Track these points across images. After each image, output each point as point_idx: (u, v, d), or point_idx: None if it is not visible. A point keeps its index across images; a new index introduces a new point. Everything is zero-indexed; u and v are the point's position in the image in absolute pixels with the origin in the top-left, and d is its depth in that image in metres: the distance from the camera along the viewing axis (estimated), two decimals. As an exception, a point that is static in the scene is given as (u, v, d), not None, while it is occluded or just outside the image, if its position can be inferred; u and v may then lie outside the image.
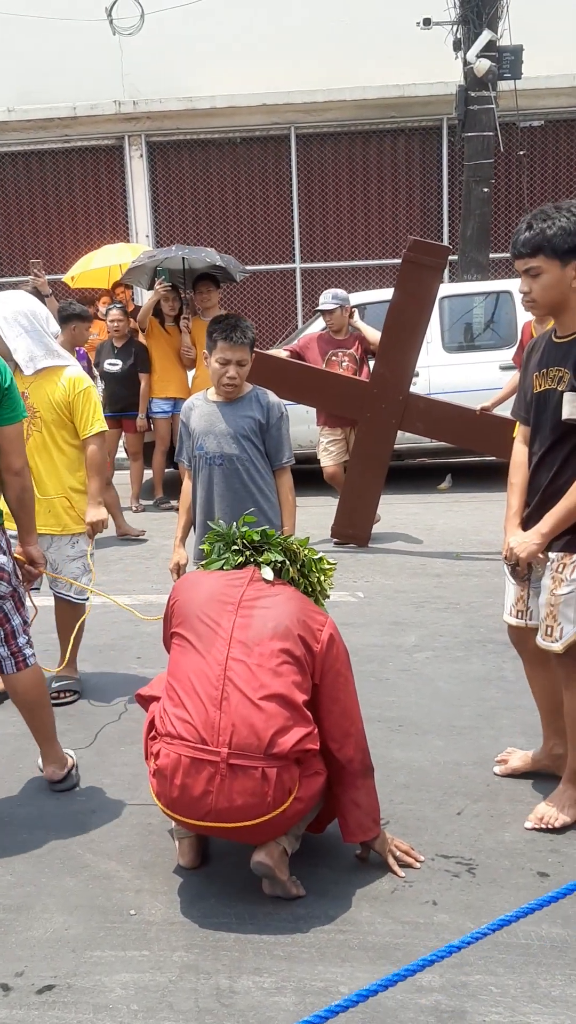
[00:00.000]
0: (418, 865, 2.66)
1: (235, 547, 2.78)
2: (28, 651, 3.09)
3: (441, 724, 3.63)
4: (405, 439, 7.33)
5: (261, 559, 2.72)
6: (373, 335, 6.51)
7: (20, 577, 3.09)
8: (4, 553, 2.96)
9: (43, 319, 3.78)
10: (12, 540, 3.12)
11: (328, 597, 2.95)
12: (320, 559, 2.86)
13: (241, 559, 2.74)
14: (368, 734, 3.51)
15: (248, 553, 2.76)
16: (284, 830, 2.50)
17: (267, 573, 2.67)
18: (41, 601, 3.67)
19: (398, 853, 2.67)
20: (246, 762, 2.38)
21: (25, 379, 3.74)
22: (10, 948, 2.41)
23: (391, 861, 2.65)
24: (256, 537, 2.78)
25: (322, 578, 2.85)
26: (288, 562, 2.74)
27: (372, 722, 3.65)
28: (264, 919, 2.46)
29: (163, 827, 2.92)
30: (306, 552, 2.82)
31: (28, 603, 3.15)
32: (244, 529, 2.82)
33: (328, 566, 2.89)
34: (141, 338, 8.13)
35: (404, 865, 2.66)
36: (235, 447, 3.64)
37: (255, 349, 3.73)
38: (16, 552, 3.13)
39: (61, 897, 2.62)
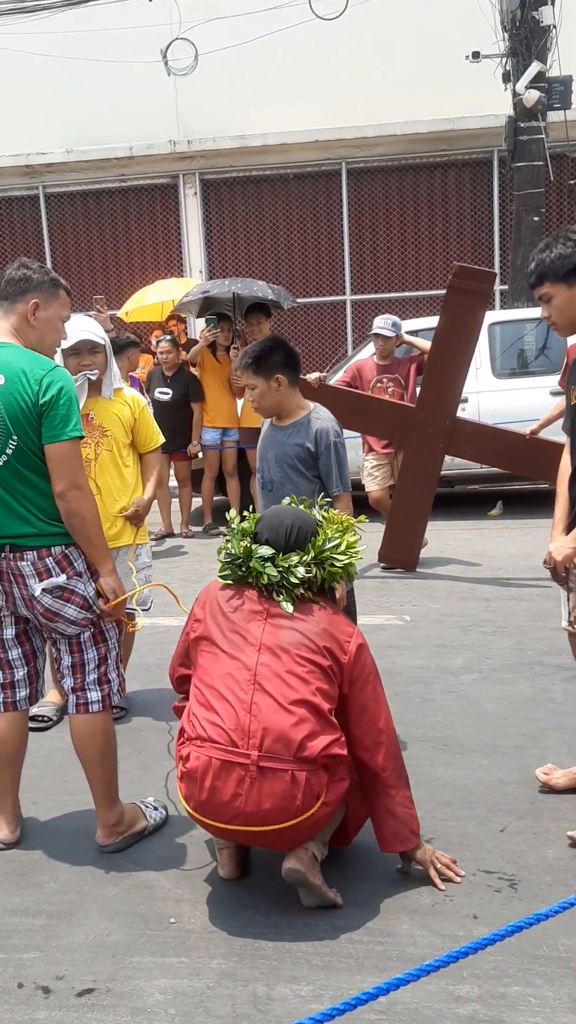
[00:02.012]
0: (459, 880, 2.64)
1: (249, 578, 2.69)
2: (93, 694, 2.89)
3: (486, 744, 3.60)
4: (455, 465, 7.32)
5: (278, 599, 2.64)
6: (427, 344, 6.53)
7: (100, 606, 2.87)
8: (82, 577, 2.83)
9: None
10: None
11: (354, 577, 2.88)
12: (346, 565, 2.74)
13: (256, 583, 2.68)
14: (412, 753, 3.53)
15: (259, 583, 2.67)
16: (310, 836, 2.51)
17: (286, 607, 2.62)
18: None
19: (439, 866, 2.65)
20: (276, 764, 2.40)
21: (88, 401, 3.83)
22: (52, 952, 2.44)
23: (432, 873, 2.63)
24: (271, 575, 2.64)
25: (335, 568, 2.74)
26: (305, 590, 2.67)
27: (416, 741, 3.65)
28: (302, 929, 2.46)
29: (204, 839, 2.94)
30: (325, 567, 2.71)
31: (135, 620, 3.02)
32: (257, 561, 2.67)
33: (354, 558, 2.78)
34: (192, 368, 8.27)
35: (446, 879, 2.64)
36: (278, 474, 3.53)
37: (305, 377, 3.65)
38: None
39: (103, 904, 2.65)
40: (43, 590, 2.78)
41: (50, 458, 2.74)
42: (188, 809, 2.54)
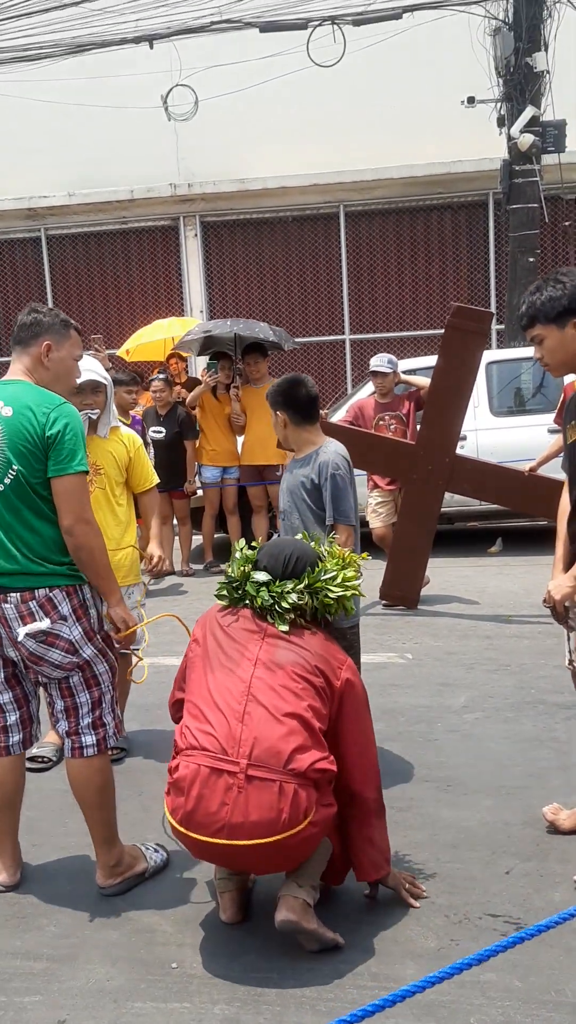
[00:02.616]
0: (424, 895, 2.73)
1: (244, 601, 2.75)
2: (88, 738, 2.86)
3: (490, 784, 3.57)
4: (455, 502, 7.33)
5: (271, 621, 2.68)
6: (424, 381, 6.59)
7: (98, 649, 2.87)
8: (66, 621, 2.78)
9: None
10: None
11: (351, 612, 2.90)
12: (341, 597, 2.77)
13: (250, 606, 2.73)
14: (415, 793, 3.51)
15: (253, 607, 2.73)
16: (294, 862, 2.49)
17: (282, 628, 2.66)
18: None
19: (407, 886, 2.72)
20: (265, 774, 2.39)
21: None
22: (53, 996, 2.40)
23: (404, 894, 2.70)
24: (265, 600, 2.69)
25: (346, 604, 2.80)
26: (298, 616, 2.70)
27: (419, 781, 3.62)
28: (305, 974, 2.42)
29: (205, 881, 2.91)
30: (319, 598, 2.75)
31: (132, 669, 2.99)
32: (253, 585, 2.73)
33: (351, 592, 2.81)
34: (192, 411, 8.31)
35: (416, 896, 2.72)
36: (289, 504, 3.66)
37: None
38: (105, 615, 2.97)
39: (104, 949, 2.62)
40: (26, 634, 2.76)
41: (56, 492, 2.75)
42: (173, 824, 2.50)
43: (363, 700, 2.70)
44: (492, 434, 8.07)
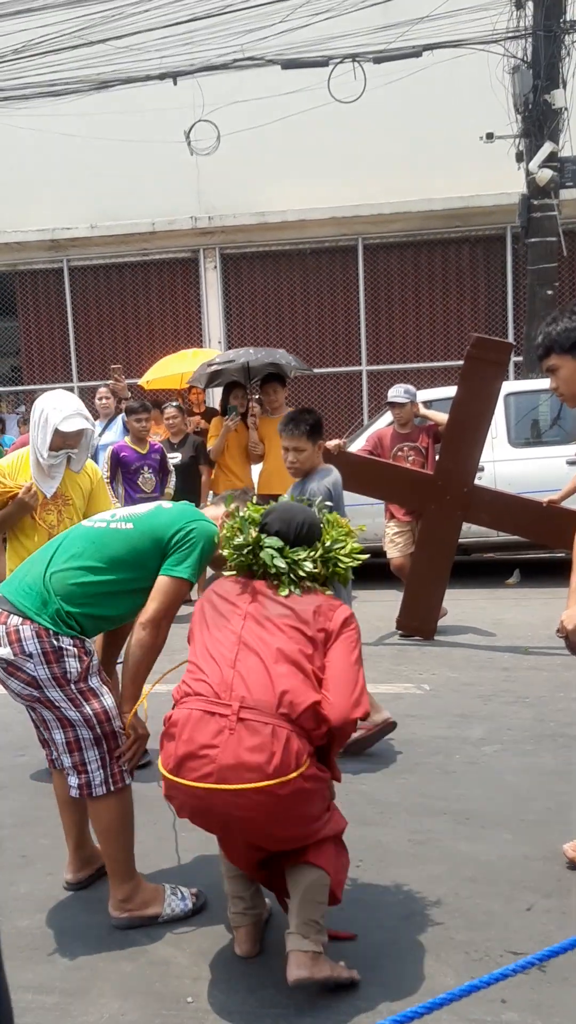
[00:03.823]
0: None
1: (254, 566, 2.71)
2: (72, 778, 2.84)
3: (509, 817, 3.52)
4: (472, 533, 7.31)
5: (275, 584, 2.66)
6: (442, 417, 6.59)
7: (69, 699, 2.77)
8: (31, 659, 2.73)
9: None
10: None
11: (349, 580, 2.88)
12: (348, 568, 2.76)
13: (260, 572, 2.69)
14: (433, 826, 3.46)
15: (262, 571, 2.69)
16: (288, 824, 2.40)
17: (282, 592, 2.63)
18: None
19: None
20: (256, 717, 2.35)
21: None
22: (65, 1030, 2.37)
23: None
24: (278, 565, 2.65)
25: (339, 568, 2.76)
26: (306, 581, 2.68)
27: (437, 814, 3.58)
28: (323, 1011, 2.38)
29: (222, 913, 2.87)
30: (329, 567, 2.74)
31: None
32: (266, 550, 2.69)
33: (354, 563, 2.78)
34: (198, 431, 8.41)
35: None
36: None
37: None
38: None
39: (118, 982, 2.58)
40: None
41: (156, 586, 2.86)
42: (164, 774, 2.43)
43: (357, 636, 2.62)
44: (510, 465, 8.06)
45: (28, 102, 11.84)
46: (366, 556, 2.84)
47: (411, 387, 6.94)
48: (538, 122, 10.42)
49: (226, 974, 2.59)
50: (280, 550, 2.68)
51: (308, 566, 2.66)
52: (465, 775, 3.98)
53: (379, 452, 6.81)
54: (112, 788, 2.83)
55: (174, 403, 8.58)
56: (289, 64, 11.16)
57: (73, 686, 2.76)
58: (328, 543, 2.75)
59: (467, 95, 11.39)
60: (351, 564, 2.77)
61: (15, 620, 2.76)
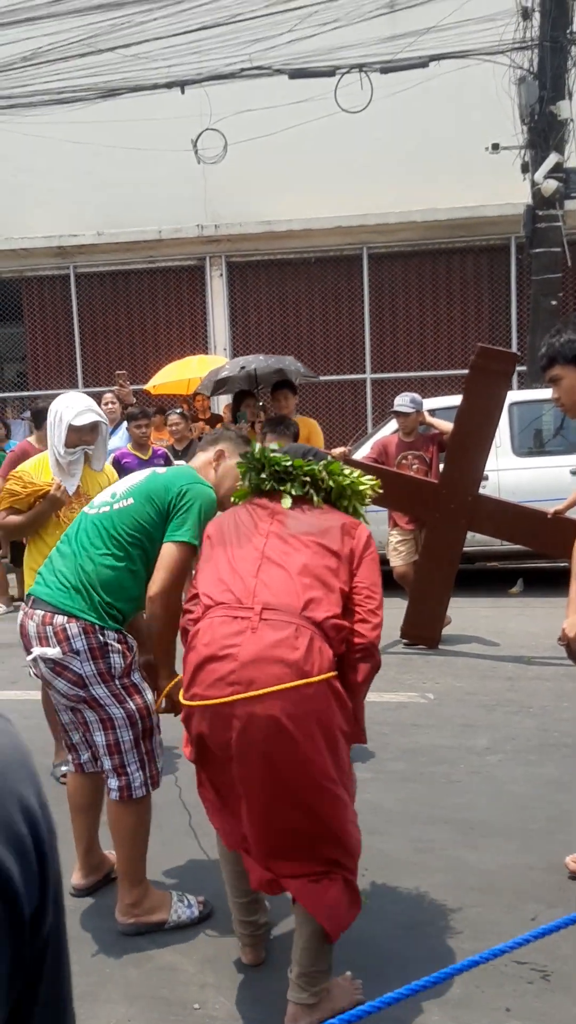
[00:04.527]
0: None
1: (263, 475, 2.70)
2: (112, 781, 2.86)
3: (513, 827, 3.53)
4: (475, 542, 7.33)
5: (283, 488, 2.65)
6: (447, 425, 6.63)
7: (113, 694, 2.83)
8: (78, 655, 2.78)
9: None
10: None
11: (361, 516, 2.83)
12: (353, 482, 2.71)
13: (268, 486, 2.68)
14: (437, 835, 3.48)
15: (271, 484, 2.68)
16: (309, 769, 2.20)
17: (285, 502, 2.61)
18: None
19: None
20: (278, 616, 2.27)
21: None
22: (72, 1035, 2.38)
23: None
24: (285, 463, 2.67)
25: (356, 504, 2.73)
26: (312, 490, 2.66)
27: (441, 823, 3.60)
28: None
29: (228, 921, 2.88)
30: (335, 479, 2.70)
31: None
32: (274, 455, 2.72)
33: (364, 485, 2.73)
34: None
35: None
36: None
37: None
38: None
39: (125, 987, 2.60)
40: (38, 656, 2.80)
41: (160, 556, 2.86)
42: (183, 700, 2.36)
43: (376, 557, 2.58)
44: (514, 474, 8.09)
45: (36, 110, 11.91)
46: (375, 481, 2.79)
47: (417, 396, 6.96)
48: (544, 133, 10.46)
49: (233, 981, 2.61)
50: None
51: (311, 467, 2.64)
52: (469, 784, 4.00)
53: (384, 460, 6.84)
54: (150, 789, 2.90)
55: (178, 410, 8.62)
56: (296, 74, 11.22)
57: (117, 682, 2.82)
58: (336, 469, 2.70)
59: (473, 106, 11.44)
60: (355, 483, 2.70)
61: (60, 619, 2.80)
